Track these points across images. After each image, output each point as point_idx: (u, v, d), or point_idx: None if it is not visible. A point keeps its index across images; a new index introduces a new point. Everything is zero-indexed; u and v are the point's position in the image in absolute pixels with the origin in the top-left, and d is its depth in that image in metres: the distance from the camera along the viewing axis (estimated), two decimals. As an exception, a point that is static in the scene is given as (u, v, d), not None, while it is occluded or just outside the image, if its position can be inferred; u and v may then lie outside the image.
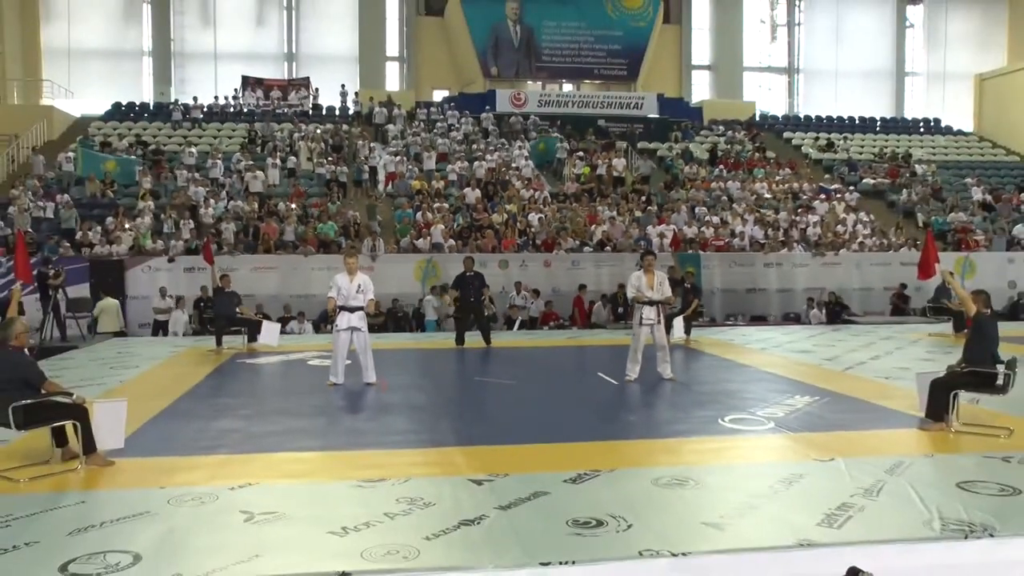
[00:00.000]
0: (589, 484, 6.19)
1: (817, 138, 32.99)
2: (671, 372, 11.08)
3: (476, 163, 26.31)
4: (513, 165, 26.89)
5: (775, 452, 7.39)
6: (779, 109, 38.22)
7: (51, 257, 18.45)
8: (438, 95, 34.66)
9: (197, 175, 24.21)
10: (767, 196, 26.60)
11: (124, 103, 30.97)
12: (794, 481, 6.26)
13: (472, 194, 24.29)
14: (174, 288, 19.14)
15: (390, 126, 29.11)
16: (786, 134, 33.52)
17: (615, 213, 23.82)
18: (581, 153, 28.28)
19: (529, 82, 35.52)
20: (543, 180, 26.36)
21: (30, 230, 20.21)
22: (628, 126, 30.99)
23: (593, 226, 22.88)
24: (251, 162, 25.28)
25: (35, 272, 16.71)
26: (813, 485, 6.19)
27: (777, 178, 28.32)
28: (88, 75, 32.93)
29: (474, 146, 28.21)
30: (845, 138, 33.13)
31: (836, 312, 21.15)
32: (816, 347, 14.58)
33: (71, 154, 24.66)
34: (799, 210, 25.60)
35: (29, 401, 6.71)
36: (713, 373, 11.99)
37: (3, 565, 4.76)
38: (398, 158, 26.54)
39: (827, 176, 29.25)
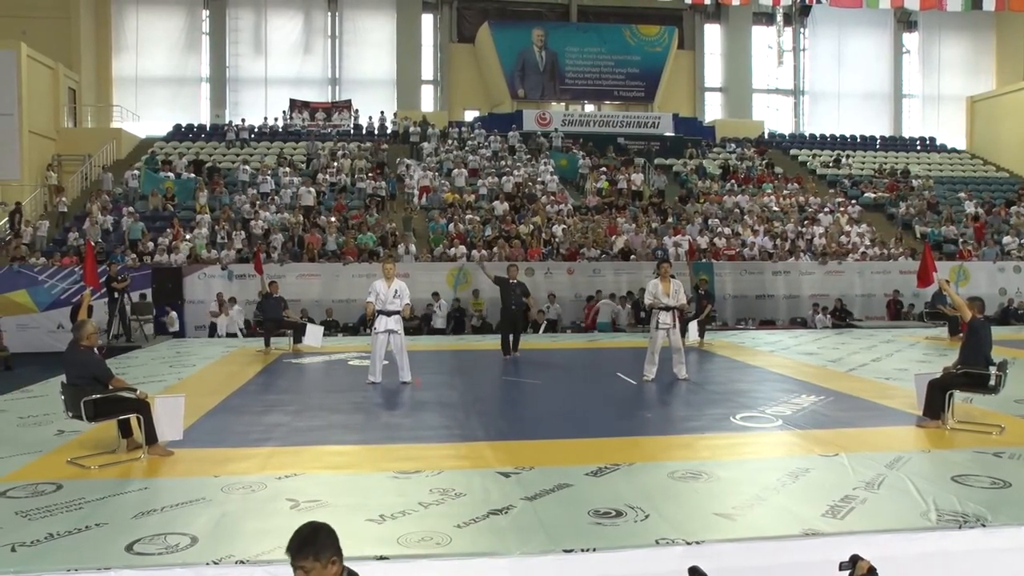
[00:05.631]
0: (609, 477, 6.18)
1: (820, 155, 32.70)
2: (686, 373, 11.02)
3: (504, 178, 26.31)
4: (539, 180, 26.87)
5: (783, 448, 7.33)
6: (786, 128, 37.88)
7: (116, 264, 18.70)
8: (469, 115, 34.73)
9: (249, 190, 24.44)
10: (775, 209, 26.39)
11: (184, 125, 31.43)
12: (800, 475, 6.23)
13: (500, 207, 24.28)
14: (226, 292, 19.36)
15: (425, 144, 29.18)
16: (792, 151, 33.21)
17: (634, 224, 23.74)
18: (602, 169, 28.25)
19: (553, 103, 35.45)
20: (567, 194, 26.30)
21: (100, 240, 20.51)
22: (646, 144, 30.85)
23: (613, 236, 22.81)
24: (298, 177, 25.46)
25: (103, 278, 16.95)
26: (818, 478, 6.14)
27: (785, 192, 28.11)
28: (152, 100, 33.49)
29: (502, 162, 28.21)
30: (848, 155, 32.74)
31: (842, 317, 20.95)
32: (821, 350, 14.44)
33: (135, 172, 25.02)
34: (805, 222, 25.37)
35: (98, 396, 6.81)
36: (725, 374, 11.91)
37: (77, 543, 4.85)
38: (432, 173, 26.65)
39: (831, 191, 28.97)
